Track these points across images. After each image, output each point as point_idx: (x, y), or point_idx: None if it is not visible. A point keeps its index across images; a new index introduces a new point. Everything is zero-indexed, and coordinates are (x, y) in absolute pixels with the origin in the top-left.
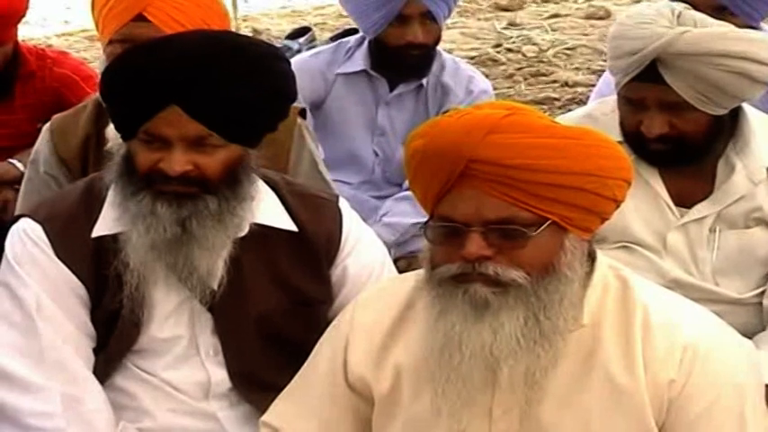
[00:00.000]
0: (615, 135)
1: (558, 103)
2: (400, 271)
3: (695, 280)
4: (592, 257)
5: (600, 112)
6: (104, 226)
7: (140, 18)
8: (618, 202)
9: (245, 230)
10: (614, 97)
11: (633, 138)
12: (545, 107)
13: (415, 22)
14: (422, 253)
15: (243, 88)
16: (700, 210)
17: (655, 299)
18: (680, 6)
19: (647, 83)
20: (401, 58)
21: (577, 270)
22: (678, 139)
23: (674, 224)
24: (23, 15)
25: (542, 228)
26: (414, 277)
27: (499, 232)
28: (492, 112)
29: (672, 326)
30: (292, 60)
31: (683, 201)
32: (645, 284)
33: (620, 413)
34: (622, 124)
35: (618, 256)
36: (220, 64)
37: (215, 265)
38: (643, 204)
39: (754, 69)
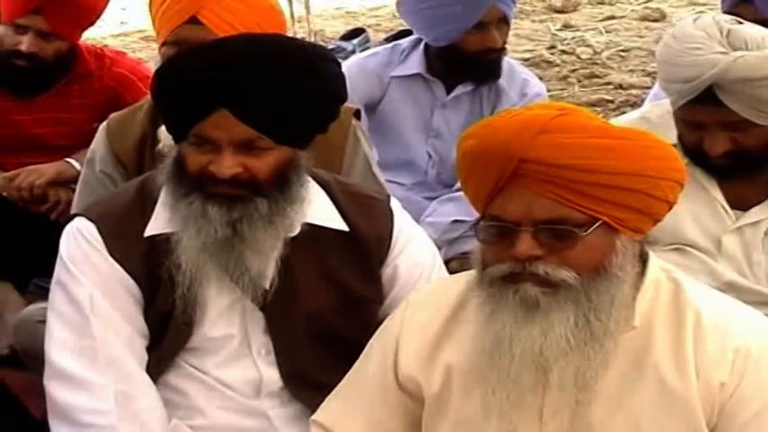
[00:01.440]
0: (670, 137)
1: (611, 106)
2: (453, 271)
3: (750, 283)
4: (644, 259)
5: (655, 115)
6: (157, 226)
7: (193, 20)
8: (670, 204)
9: (296, 230)
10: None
11: (695, 153)
12: (599, 109)
13: (493, 28)
14: (473, 253)
15: (291, 91)
16: (756, 213)
17: (707, 301)
18: (726, 21)
19: (705, 106)
20: (478, 62)
21: (628, 271)
22: (741, 153)
23: (730, 227)
24: (93, 23)
25: (593, 228)
26: (465, 278)
27: (550, 232)
28: (543, 112)
29: (724, 328)
30: (347, 61)
31: (740, 204)
32: (697, 287)
33: (672, 415)
34: (682, 140)
35: (671, 257)
36: (269, 67)
37: (266, 266)
38: (698, 207)
39: None
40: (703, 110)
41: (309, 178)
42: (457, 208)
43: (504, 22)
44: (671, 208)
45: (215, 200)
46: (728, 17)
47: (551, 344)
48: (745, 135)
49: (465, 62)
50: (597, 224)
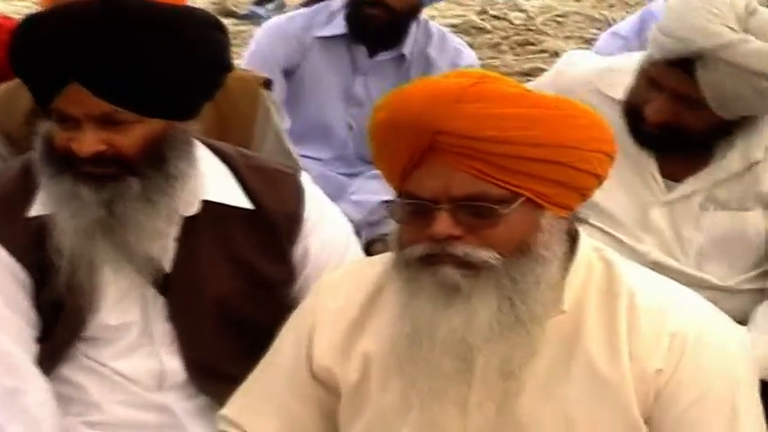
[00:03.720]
0: (617, 93)
1: None
2: (376, 254)
3: (677, 264)
4: (573, 238)
5: (622, 64)
6: (39, 207)
7: None
8: (600, 178)
9: (193, 209)
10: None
11: (631, 112)
12: (533, 78)
13: None
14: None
15: (147, 60)
16: (689, 184)
17: (642, 283)
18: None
19: (676, 69)
20: (357, 15)
21: (555, 250)
22: (676, 129)
23: (661, 199)
24: None
25: (515, 205)
26: (381, 260)
27: (469, 210)
28: (459, 80)
29: (660, 311)
30: (266, 23)
31: (675, 176)
32: (632, 267)
33: (604, 405)
34: (630, 93)
35: (591, 234)
36: (118, 36)
37: (159, 248)
38: (627, 174)
39: None
40: (671, 72)
41: (196, 152)
42: (383, 186)
43: None
44: (601, 182)
45: (84, 179)
46: None
47: (474, 330)
48: (691, 114)
49: (351, 10)
50: (520, 200)
